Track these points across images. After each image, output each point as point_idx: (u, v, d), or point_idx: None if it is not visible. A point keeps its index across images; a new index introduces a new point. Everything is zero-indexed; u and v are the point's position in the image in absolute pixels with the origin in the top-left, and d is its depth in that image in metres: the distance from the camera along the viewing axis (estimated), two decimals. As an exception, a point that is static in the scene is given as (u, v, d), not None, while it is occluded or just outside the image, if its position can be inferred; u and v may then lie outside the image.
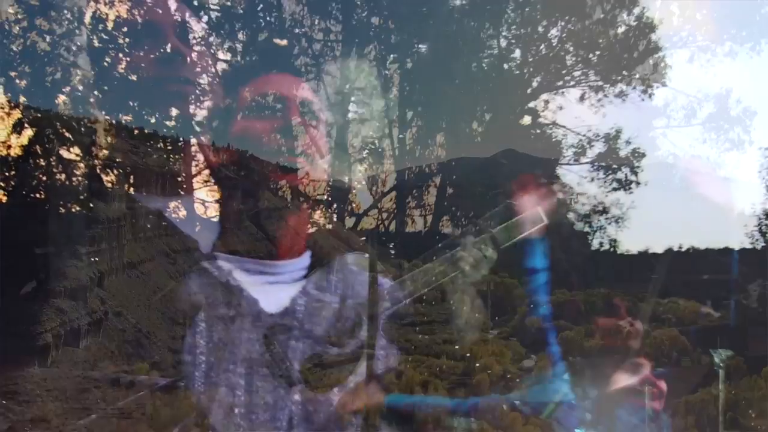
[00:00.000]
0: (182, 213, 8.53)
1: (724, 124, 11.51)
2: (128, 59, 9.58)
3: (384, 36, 11.12)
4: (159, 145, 8.23)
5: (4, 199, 7.25)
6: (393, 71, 11.17)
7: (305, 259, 2.92)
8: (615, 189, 10.61)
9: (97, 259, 6.85)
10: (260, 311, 2.79)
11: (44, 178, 7.12)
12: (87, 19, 9.64)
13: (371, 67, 10.93)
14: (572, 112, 10.99)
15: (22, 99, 8.81)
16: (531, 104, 11.18)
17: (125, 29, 9.66)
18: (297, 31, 10.97)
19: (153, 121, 9.74)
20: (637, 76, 10.74)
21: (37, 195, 7.13)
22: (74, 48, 9.57)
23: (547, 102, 11.12)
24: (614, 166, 10.64)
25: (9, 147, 7.26)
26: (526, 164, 10.05)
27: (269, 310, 2.81)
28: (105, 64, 9.64)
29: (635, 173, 10.58)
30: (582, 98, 10.93)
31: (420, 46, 10.99)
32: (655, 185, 10.70)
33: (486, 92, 11.06)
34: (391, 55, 11.16)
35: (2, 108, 7.57)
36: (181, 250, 7.81)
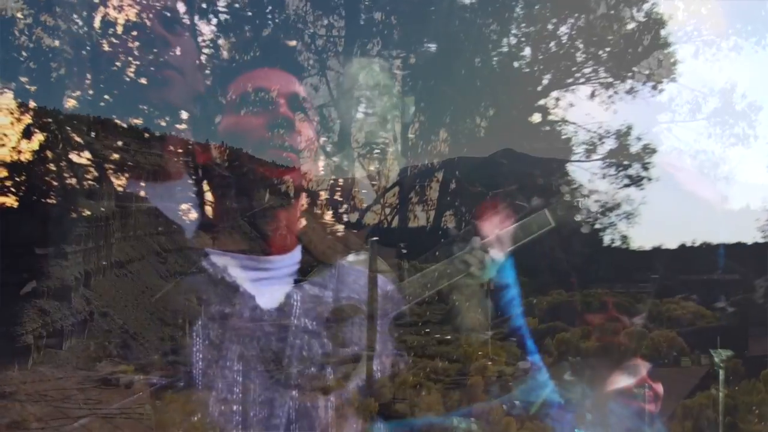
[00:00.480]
0: (176, 212, 8.55)
1: (729, 118, 11.75)
2: (123, 56, 9.65)
3: (390, 34, 11.41)
4: (152, 143, 8.29)
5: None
6: (402, 69, 11.46)
7: (297, 254, 3.02)
8: (626, 185, 10.87)
9: (100, 259, 6.94)
10: (256, 308, 2.90)
11: (35, 177, 7.18)
12: (82, 15, 9.71)
13: (380, 66, 11.18)
14: (582, 109, 11.31)
15: (16, 97, 8.88)
16: (541, 101, 11.50)
17: (123, 26, 9.75)
18: (302, 28, 11.19)
19: (149, 120, 9.81)
20: (646, 72, 11.03)
21: (28, 193, 7.19)
22: (63, 37, 9.62)
23: (557, 99, 11.46)
24: (625, 162, 10.88)
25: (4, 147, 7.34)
26: (526, 163, 10.29)
27: (265, 307, 2.92)
28: (100, 61, 9.71)
29: (646, 168, 10.84)
30: (592, 95, 11.28)
31: (429, 45, 11.32)
32: (657, 182, 10.88)
33: (496, 90, 11.42)
34: (400, 54, 11.48)
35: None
36: (172, 249, 7.82)
